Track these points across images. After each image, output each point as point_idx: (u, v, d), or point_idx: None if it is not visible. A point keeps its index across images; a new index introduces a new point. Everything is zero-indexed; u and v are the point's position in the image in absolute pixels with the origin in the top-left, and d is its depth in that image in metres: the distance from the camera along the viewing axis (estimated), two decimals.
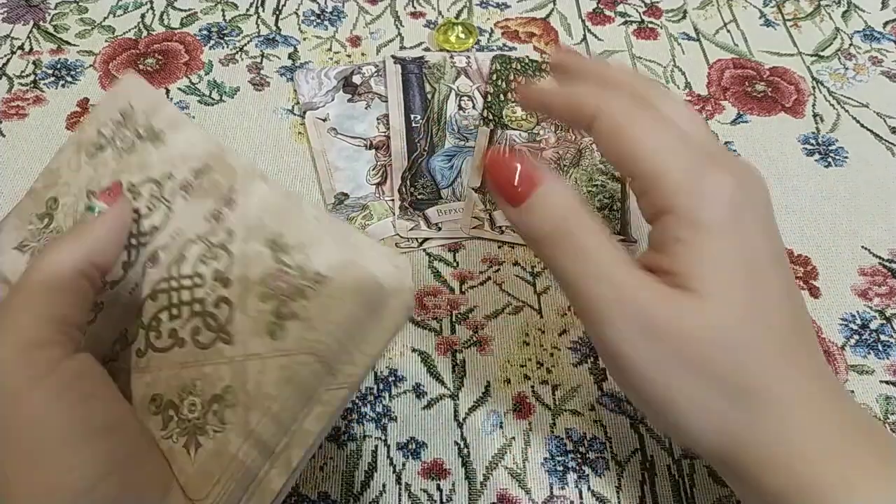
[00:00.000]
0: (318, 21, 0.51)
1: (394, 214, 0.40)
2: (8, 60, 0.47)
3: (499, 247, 0.39)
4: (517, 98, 0.30)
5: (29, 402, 0.21)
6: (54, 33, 0.49)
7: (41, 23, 0.50)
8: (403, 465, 0.32)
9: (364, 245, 0.23)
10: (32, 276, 0.23)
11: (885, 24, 0.53)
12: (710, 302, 0.22)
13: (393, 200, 0.40)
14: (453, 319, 0.36)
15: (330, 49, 0.49)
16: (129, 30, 0.50)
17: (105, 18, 0.51)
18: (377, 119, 0.44)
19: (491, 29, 0.51)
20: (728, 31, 0.52)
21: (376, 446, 0.32)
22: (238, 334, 0.23)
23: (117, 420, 0.23)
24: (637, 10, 0.53)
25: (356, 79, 0.46)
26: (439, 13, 0.52)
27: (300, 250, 0.23)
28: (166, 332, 0.25)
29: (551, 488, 0.31)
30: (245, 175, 0.25)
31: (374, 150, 0.43)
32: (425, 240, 0.39)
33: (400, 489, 0.31)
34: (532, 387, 0.34)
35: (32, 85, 0.46)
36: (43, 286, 0.23)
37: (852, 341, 0.36)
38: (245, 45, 0.49)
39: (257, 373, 0.23)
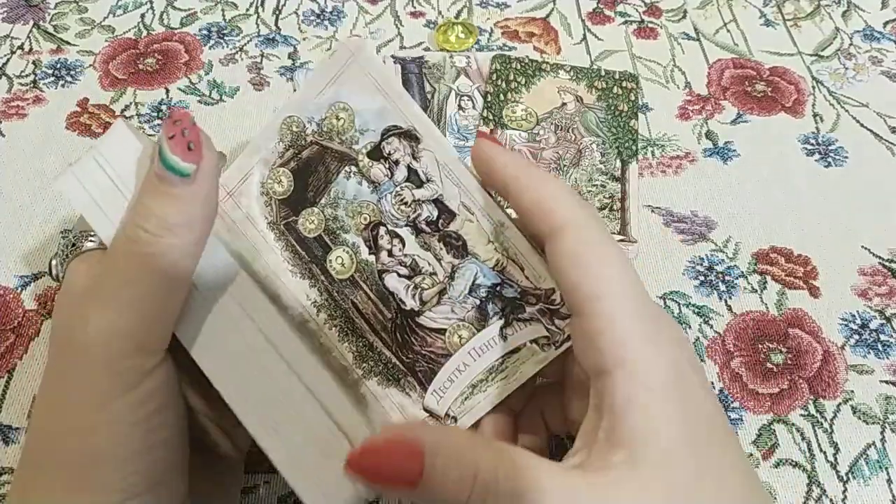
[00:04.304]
0: (318, 21, 0.51)
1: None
2: (8, 60, 0.47)
3: None
4: (472, 158, 0.26)
5: (102, 417, 0.21)
6: (54, 33, 0.49)
7: (41, 22, 0.50)
8: None
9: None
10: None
11: (885, 23, 0.53)
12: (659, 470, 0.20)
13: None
14: None
15: (330, 49, 0.49)
16: (129, 29, 0.50)
17: (105, 18, 0.50)
18: None
19: (491, 29, 0.51)
20: (728, 30, 0.52)
21: None
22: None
23: (168, 437, 0.23)
24: (637, 10, 0.53)
25: None
26: (439, 13, 0.52)
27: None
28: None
29: None
30: None
31: None
32: None
33: None
34: None
35: (32, 85, 0.46)
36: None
37: (852, 341, 0.36)
38: (245, 44, 0.49)
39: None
